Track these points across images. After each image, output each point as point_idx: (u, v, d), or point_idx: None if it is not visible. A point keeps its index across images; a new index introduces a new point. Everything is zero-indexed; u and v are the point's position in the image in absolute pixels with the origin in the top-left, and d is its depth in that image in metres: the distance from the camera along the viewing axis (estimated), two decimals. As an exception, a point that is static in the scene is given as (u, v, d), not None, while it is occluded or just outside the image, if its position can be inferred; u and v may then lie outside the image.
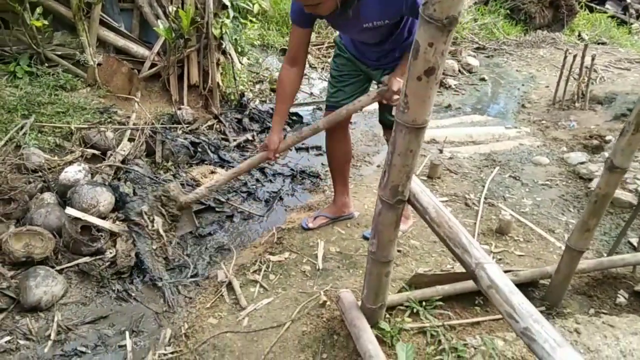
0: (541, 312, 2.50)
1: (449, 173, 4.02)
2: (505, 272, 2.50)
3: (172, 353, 2.21)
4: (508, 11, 8.67)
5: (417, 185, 1.75)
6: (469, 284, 2.38)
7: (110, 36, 4.28)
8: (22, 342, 2.27)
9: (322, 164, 4.12)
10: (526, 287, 2.59)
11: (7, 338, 2.27)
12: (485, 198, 3.63)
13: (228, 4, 4.31)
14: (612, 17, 9.92)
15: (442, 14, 1.29)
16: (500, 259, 2.94)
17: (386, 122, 2.80)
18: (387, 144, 3.19)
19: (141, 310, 2.50)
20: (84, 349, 2.26)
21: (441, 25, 1.31)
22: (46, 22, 3.84)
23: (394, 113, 2.67)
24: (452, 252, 1.56)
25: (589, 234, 2.28)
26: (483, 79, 6.57)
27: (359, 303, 2.16)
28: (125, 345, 2.27)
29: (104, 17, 4.21)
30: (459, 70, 6.66)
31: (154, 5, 4.33)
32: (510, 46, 7.91)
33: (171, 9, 4.14)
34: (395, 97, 2.41)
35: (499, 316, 2.37)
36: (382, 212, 1.78)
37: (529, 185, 3.89)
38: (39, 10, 3.80)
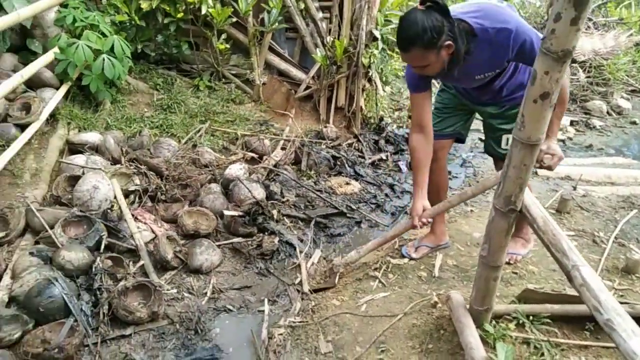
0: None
1: (580, 210, 3.99)
2: (622, 303, 2.54)
3: (299, 322, 2.61)
4: (675, 54, 8.06)
5: (529, 198, 1.96)
6: (580, 308, 2.45)
7: (275, 60, 5.00)
8: (186, 294, 2.85)
9: (450, 187, 4.34)
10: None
11: (175, 290, 2.87)
12: (616, 238, 3.56)
13: (378, 36, 4.78)
14: None
15: (557, 47, 1.54)
16: (622, 296, 2.91)
17: (492, 152, 2.86)
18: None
19: (278, 285, 2.97)
20: (231, 307, 2.78)
21: (557, 57, 1.56)
22: (227, 46, 4.65)
23: (503, 146, 2.74)
24: (553, 256, 1.75)
25: None
26: (634, 122, 6.24)
27: (468, 306, 2.38)
28: (263, 310, 2.74)
29: (272, 44, 4.96)
30: (608, 112, 6.40)
31: (314, 36, 4.97)
32: (672, 91, 7.37)
33: (329, 39, 4.72)
34: (547, 157, 2.41)
35: (610, 344, 2.40)
36: (495, 220, 2.02)
37: (669, 232, 3.71)
38: (224, 36, 4.62)
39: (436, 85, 4.15)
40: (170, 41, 4.70)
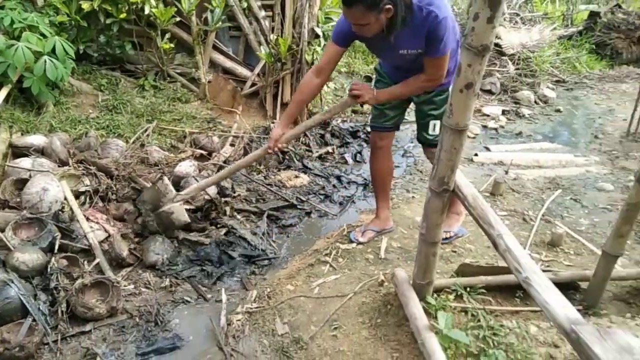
0: (578, 311, 2.80)
1: (511, 192, 4.33)
2: (545, 271, 2.83)
3: (256, 308, 2.75)
4: (593, 46, 8.73)
5: (461, 179, 2.19)
6: (510, 278, 2.72)
7: (220, 58, 5.08)
8: (143, 289, 2.91)
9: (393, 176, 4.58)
10: (566, 289, 2.86)
11: (133, 286, 2.93)
12: (543, 215, 3.90)
13: (320, 33, 4.96)
14: None
15: (477, 42, 1.75)
16: (548, 266, 3.22)
17: (423, 140, 3.06)
18: (428, 161, 3.49)
19: (234, 276, 3.09)
20: (188, 299, 2.87)
21: (477, 51, 1.77)
22: (172, 45, 4.69)
23: (430, 132, 2.97)
24: (482, 228, 1.98)
25: (622, 240, 2.56)
26: (558, 110, 6.74)
27: (411, 281, 2.59)
28: (221, 300, 2.85)
29: (216, 43, 5.03)
30: (535, 101, 6.88)
31: (258, 34, 5.08)
32: (592, 80, 7.98)
33: (272, 37, 4.85)
34: (356, 91, 2.71)
35: (537, 308, 2.68)
36: (431, 200, 2.23)
37: (589, 208, 4.10)
38: (168, 35, 4.65)
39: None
40: (113, 41, 4.68)
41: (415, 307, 2.39)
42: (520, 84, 7.22)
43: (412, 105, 3.12)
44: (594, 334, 1.31)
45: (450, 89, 2.80)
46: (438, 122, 2.93)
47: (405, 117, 3.29)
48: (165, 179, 3.24)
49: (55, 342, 2.43)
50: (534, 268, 1.65)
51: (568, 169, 4.84)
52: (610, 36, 8.79)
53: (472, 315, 2.56)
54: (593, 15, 9.19)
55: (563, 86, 7.75)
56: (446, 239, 3.27)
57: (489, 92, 7.11)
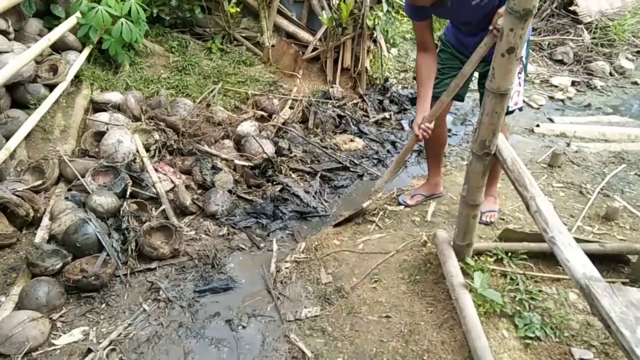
0: (623, 283, 2.77)
1: (571, 164, 4.23)
2: (590, 242, 2.82)
3: (304, 258, 2.94)
4: (684, 14, 8.05)
5: (502, 142, 2.23)
6: (554, 246, 2.74)
7: (284, 23, 5.21)
8: (203, 235, 3.18)
9: (448, 144, 4.59)
10: (615, 261, 2.84)
11: (194, 232, 3.20)
12: (602, 189, 3.80)
13: (383, -1, 4.96)
14: None
15: (519, 7, 1.78)
16: (599, 238, 3.18)
17: None
18: None
19: (286, 229, 3.30)
20: (243, 246, 3.11)
21: (519, 15, 1.80)
22: (238, 10, 4.87)
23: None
24: (517, 190, 2.03)
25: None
26: (635, 83, 6.37)
27: (451, 242, 2.68)
28: (272, 249, 3.07)
29: (280, 7, 5.16)
30: (610, 73, 6.53)
31: (321, -1, 5.16)
32: (679, 51, 7.43)
33: (334, 1, 4.91)
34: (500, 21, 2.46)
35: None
36: (473, 163, 2.29)
37: (655, 184, 3.95)
38: (234, 0, 4.83)
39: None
40: (183, 5, 4.93)
41: (452, 266, 2.48)
42: (595, 54, 6.85)
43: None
44: (606, 289, 1.37)
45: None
46: None
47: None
48: None
49: (125, 275, 2.75)
50: (560, 229, 1.70)
51: (636, 144, 4.63)
52: None
53: (511, 279, 2.62)
54: (687, -20, 8.42)
55: (644, 57, 7.27)
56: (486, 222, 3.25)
57: (561, 62, 6.80)
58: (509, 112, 2.81)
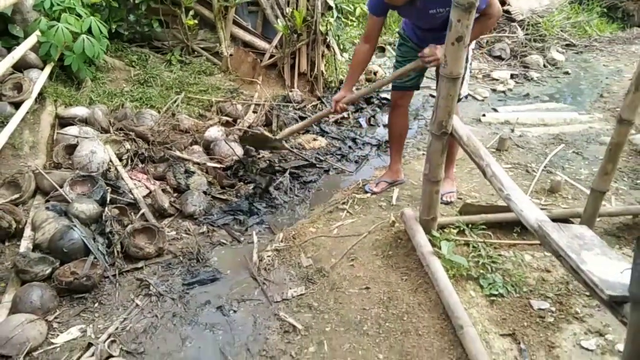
0: (570, 244, 3.12)
1: (516, 148, 4.62)
2: (541, 209, 3.15)
3: (284, 246, 3.14)
4: (604, 9, 8.82)
5: (457, 122, 2.52)
6: (509, 215, 3.05)
7: (240, 32, 5.42)
8: (184, 235, 3.33)
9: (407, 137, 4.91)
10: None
11: (174, 232, 3.34)
12: (545, 167, 4.20)
13: (333, 5, 5.25)
14: None
15: (464, 0, 2.07)
16: (545, 209, 3.54)
17: None
18: None
19: (263, 223, 3.49)
20: (224, 241, 3.28)
21: (464, 8, 2.09)
22: (196, 22, 5.04)
23: None
24: (474, 161, 2.32)
25: (607, 177, 2.86)
26: (567, 73, 6.94)
27: (417, 218, 2.95)
28: (253, 242, 3.25)
29: (236, 18, 5.37)
30: (544, 65, 7.08)
31: (274, 8, 5.39)
32: (602, 43, 8.11)
33: (288, 10, 5.16)
34: (431, 59, 2.90)
35: (533, 241, 3.02)
36: (432, 143, 2.57)
37: (589, 159, 4.38)
38: (191, 13, 5.00)
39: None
40: (141, 20, 5.05)
41: (421, 238, 2.75)
42: (529, 49, 7.41)
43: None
44: (554, 227, 1.65)
45: (469, 49, 3.14)
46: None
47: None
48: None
49: (114, 275, 2.86)
50: (513, 187, 1.99)
51: (572, 126, 5.10)
52: (621, -1, 8.86)
53: (473, 247, 2.91)
54: (605, -22, 9.24)
55: (573, 50, 7.90)
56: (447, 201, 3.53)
57: (499, 57, 7.32)
58: (458, 100, 3.13)
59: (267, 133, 3.97)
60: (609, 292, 1.33)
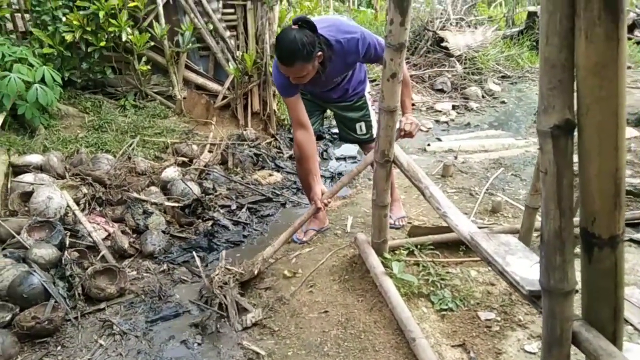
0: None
1: (460, 173, 4.93)
2: (482, 227, 3.41)
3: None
4: (534, 43, 9.54)
5: (398, 150, 2.75)
6: (455, 235, 3.26)
7: (192, 76, 5.60)
8: (145, 274, 3.38)
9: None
10: (502, 241, 3.44)
11: (135, 272, 3.39)
12: (487, 190, 4.50)
13: (281, 48, 5.52)
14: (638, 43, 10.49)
15: (395, 41, 2.32)
16: (488, 227, 3.80)
17: (356, 141, 3.60)
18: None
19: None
20: (186, 278, 3.35)
21: (396, 48, 2.34)
22: (148, 67, 5.19)
23: (359, 132, 3.49)
24: (414, 184, 2.54)
25: (538, 194, 3.15)
26: (503, 102, 7.46)
27: (370, 242, 3.13)
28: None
29: (188, 62, 5.55)
30: (482, 96, 7.58)
31: (225, 52, 5.62)
32: (534, 74, 8.75)
33: (238, 53, 5.40)
34: (407, 125, 2.97)
35: (477, 258, 3.24)
36: (377, 170, 2.79)
37: (527, 181, 4.72)
38: (144, 59, 5.16)
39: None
40: (94, 68, 5.15)
41: (374, 260, 2.93)
42: (468, 82, 7.93)
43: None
44: (484, 237, 1.87)
45: (365, 94, 3.42)
46: (363, 123, 3.49)
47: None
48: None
49: (76, 318, 2.89)
50: (449, 205, 2.21)
51: (510, 151, 5.48)
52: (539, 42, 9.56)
53: (423, 266, 3.11)
54: (531, 15, 10.02)
55: (508, 80, 8.50)
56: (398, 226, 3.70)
57: (441, 90, 7.79)
58: (371, 140, 3.33)
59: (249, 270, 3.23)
60: (528, 288, 1.54)
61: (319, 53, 2.67)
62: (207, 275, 3.13)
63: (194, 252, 3.52)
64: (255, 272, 3.15)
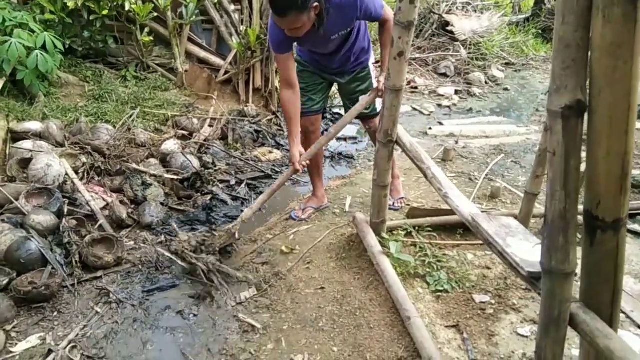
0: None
1: (460, 158, 4.93)
2: (483, 212, 3.41)
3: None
4: (539, 31, 9.47)
5: (401, 131, 2.73)
6: (453, 218, 3.28)
7: (195, 49, 5.54)
8: (142, 245, 3.38)
9: (357, 149, 5.15)
10: (499, 227, 3.45)
11: (133, 242, 3.39)
12: (486, 175, 4.50)
13: (286, 24, 5.45)
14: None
15: (404, 19, 2.29)
16: (486, 212, 3.80)
17: (360, 116, 3.35)
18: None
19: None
20: (183, 250, 3.35)
21: (404, 26, 2.31)
22: (151, 39, 5.13)
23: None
24: (417, 166, 2.53)
25: (538, 180, 3.15)
26: (506, 89, 7.42)
27: (368, 222, 3.14)
28: (210, 249, 3.33)
29: (191, 35, 5.49)
30: (485, 82, 7.55)
31: (229, 26, 5.56)
32: (538, 62, 8.72)
33: (242, 28, 5.34)
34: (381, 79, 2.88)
35: (475, 242, 3.26)
36: (380, 150, 2.78)
37: (526, 168, 4.72)
38: (146, 30, 5.09)
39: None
40: (96, 36, 5.09)
41: (372, 239, 2.94)
42: (472, 67, 7.88)
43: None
44: (485, 218, 1.87)
45: (369, 63, 3.34)
46: (366, 95, 3.42)
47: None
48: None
49: (72, 285, 2.89)
50: (451, 186, 2.21)
51: (511, 138, 5.47)
52: (554, 21, 9.48)
53: (420, 247, 3.12)
54: (539, 2, 9.94)
55: (512, 68, 8.46)
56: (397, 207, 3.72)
57: (444, 75, 7.74)
58: (376, 114, 3.32)
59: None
60: (528, 269, 1.55)
61: (315, 4, 2.55)
62: (175, 247, 3.13)
63: (171, 221, 3.55)
64: (237, 235, 3.15)
